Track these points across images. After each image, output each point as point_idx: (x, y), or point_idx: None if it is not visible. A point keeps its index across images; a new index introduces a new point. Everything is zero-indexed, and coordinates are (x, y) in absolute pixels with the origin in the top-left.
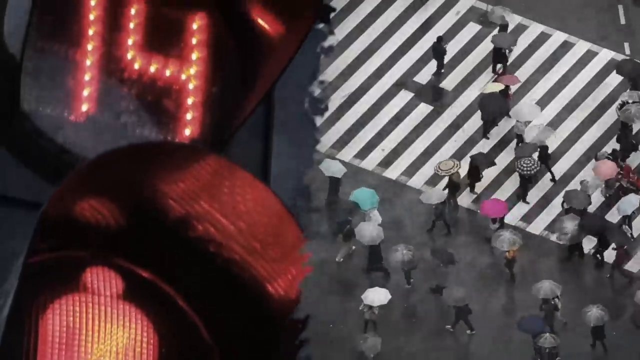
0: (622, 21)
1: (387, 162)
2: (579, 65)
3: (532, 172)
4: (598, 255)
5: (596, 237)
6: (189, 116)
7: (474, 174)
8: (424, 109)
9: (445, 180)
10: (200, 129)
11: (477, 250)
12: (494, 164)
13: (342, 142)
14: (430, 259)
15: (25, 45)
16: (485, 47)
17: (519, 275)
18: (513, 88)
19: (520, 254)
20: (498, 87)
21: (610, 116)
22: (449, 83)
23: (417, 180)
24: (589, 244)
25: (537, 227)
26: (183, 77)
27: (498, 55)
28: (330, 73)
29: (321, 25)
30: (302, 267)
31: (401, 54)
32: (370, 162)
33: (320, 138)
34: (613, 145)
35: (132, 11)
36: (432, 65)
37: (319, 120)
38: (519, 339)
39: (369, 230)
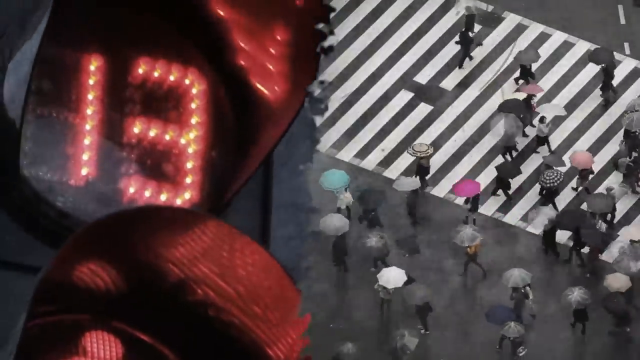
0: (622, 21)
1: (387, 162)
2: (579, 65)
3: (555, 184)
4: (574, 251)
5: (572, 232)
6: (188, 180)
7: (502, 184)
8: (424, 109)
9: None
10: (200, 193)
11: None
12: (519, 172)
13: (342, 142)
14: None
15: (25, 110)
16: (485, 47)
17: (493, 267)
18: (536, 98)
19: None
20: (520, 96)
21: (610, 116)
22: (449, 83)
23: (417, 180)
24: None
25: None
26: (182, 141)
27: (524, 72)
28: (330, 73)
29: (321, 25)
30: (303, 334)
31: (401, 54)
32: (370, 162)
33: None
34: (613, 145)
35: (132, 75)
36: (432, 66)
37: (319, 120)
38: (486, 334)
39: (334, 220)
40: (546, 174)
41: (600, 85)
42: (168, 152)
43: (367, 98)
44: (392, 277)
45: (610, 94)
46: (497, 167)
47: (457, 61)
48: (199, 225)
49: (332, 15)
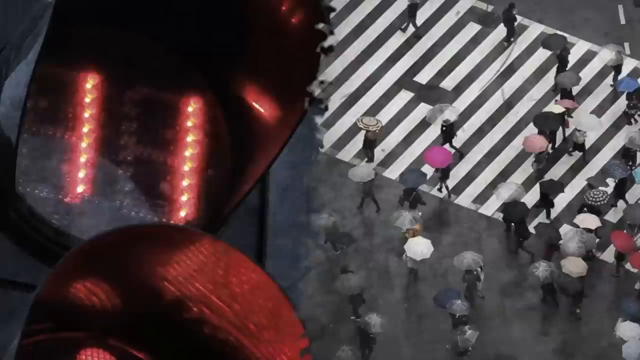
0: (622, 21)
1: (387, 162)
2: (579, 65)
3: (600, 203)
4: (518, 242)
5: (515, 224)
6: (184, 198)
7: (544, 200)
8: (424, 109)
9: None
10: (195, 211)
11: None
12: (562, 189)
13: (342, 142)
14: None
15: (21, 128)
16: (486, 47)
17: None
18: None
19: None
20: (557, 109)
21: (610, 116)
22: (449, 83)
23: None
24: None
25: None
26: (178, 159)
27: (565, 95)
28: (330, 73)
29: (321, 25)
30: (300, 352)
31: (401, 54)
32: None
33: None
34: (613, 145)
35: (128, 94)
36: (432, 66)
37: (319, 120)
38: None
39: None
40: (592, 192)
41: (555, 73)
42: (164, 170)
43: (367, 98)
44: (420, 249)
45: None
46: (540, 183)
47: (457, 61)
48: (194, 243)
49: (332, 15)
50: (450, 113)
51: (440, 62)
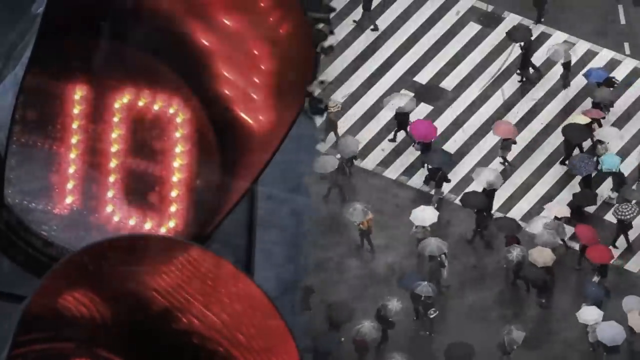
0: (622, 21)
1: (387, 162)
2: (579, 65)
3: (630, 217)
4: (477, 231)
5: (475, 212)
6: (173, 209)
7: (577, 212)
8: (424, 109)
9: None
10: (184, 221)
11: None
12: (595, 202)
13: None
14: None
15: (9, 139)
16: (486, 47)
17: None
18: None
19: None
20: (584, 120)
21: (610, 116)
22: (449, 83)
23: (418, 180)
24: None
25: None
26: (167, 169)
27: (595, 105)
28: (330, 73)
29: (321, 26)
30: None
31: (401, 54)
32: (370, 162)
33: (320, 138)
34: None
35: (116, 105)
36: (432, 66)
37: (319, 120)
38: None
39: None
40: (622, 206)
41: (519, 64)
42: (152, 180)
43: (367, 98)
44: (427, 215)
45: (529, 72)
46: (574, 195)
47: (457, 61)
48: (183, 254)
49: (332, 15)
50: (410, 102)
51: (440, 62)
